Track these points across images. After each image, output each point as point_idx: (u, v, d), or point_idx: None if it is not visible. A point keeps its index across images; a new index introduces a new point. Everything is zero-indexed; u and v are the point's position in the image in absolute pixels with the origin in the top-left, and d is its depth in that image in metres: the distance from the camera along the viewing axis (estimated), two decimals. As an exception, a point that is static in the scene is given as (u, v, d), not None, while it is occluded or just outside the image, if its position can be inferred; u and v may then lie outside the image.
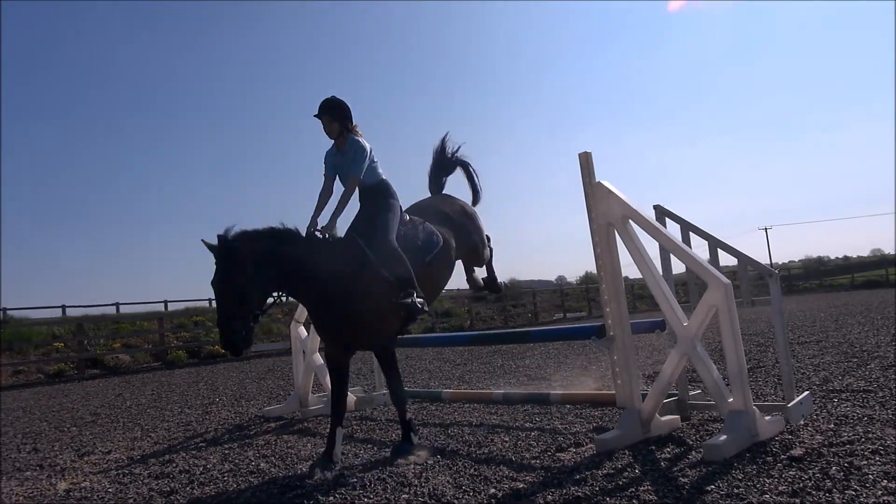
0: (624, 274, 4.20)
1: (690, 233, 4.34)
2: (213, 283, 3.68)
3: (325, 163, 4.57)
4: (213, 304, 3.87)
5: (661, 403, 3.95)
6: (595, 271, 4.24)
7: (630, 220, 3.90)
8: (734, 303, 3.52)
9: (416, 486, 3.40)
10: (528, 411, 5.25)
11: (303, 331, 6.59)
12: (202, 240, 3.70)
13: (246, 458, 4.59)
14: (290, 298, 4.04)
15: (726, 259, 4.35)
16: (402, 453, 4.02)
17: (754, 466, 3.12)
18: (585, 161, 4.09)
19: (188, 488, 3.90)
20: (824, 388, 4.99)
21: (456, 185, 5.41)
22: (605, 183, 4.00)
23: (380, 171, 4.50)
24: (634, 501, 2.85)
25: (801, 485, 2.80)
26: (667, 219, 4.38)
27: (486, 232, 5.23)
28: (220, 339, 3.67)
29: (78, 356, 15.76)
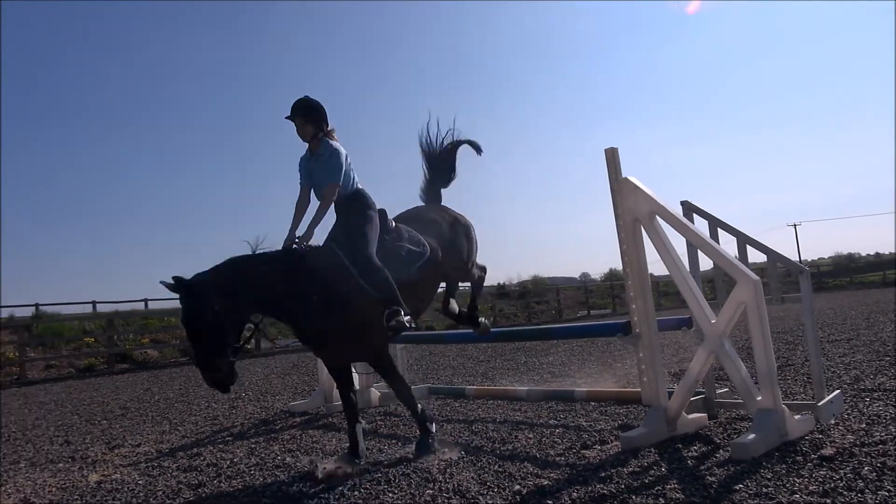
0: (649, 271, 4.16)
1: (718, 229, 4.28)
2: (181, 322, 3.48)
3: (299, 170, 4.23)
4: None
5: (688, 401, 3.91)
6: (620, 268, 4.20)
7: (657, 216, 3.86)
8: (763, 300, 3.47)
9: (440, 481, 3.42)
10: (552, 408, 5.24)
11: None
12: (161, 281, 3.44)
13: (272, 452, 4.64)
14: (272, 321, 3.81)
15: (755, 256, 4.28)
16: (424, 448, 4.00)
17: (783, 466, 3.08)
18: (612, 157, 4.05)
19: (216, 481, 3.96)
20: (855, 386, 4.89)
21: (456, 193, 5.09)
22: (632, 179, 3.95)
23: (356, 179, 4.21)
24: (661, 500, 2.83)
25: (833, 485, 2.76)
26: (694, 215, 4.32)
27: (477, 252, 4.88)
28: (203, 378, 3.48)
29: (108, 351, 16.11)
